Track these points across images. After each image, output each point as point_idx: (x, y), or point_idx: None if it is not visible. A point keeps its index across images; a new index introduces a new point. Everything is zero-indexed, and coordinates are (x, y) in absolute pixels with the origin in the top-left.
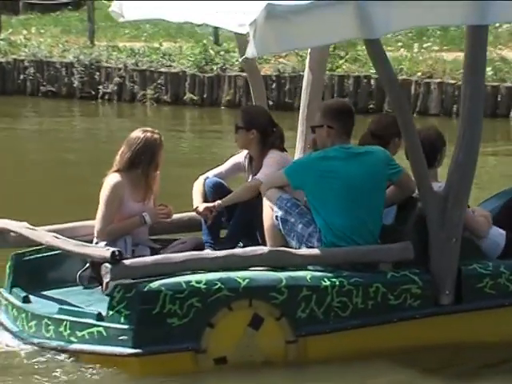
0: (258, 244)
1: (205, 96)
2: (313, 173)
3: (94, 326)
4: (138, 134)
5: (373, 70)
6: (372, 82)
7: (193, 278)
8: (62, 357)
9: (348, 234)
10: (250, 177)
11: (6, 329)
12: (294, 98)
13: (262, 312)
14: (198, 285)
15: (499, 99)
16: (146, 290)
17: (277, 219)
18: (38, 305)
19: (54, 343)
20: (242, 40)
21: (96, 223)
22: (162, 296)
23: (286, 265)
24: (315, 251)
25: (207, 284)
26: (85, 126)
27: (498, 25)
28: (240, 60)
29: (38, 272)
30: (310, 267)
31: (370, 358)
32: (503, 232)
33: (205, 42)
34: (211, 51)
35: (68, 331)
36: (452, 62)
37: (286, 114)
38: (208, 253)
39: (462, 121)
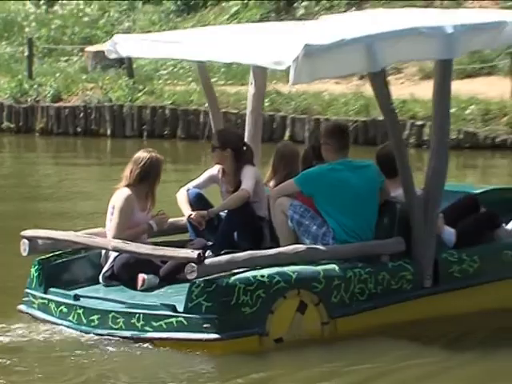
0: (237, 246)
1: (20, 124)
2: (325, 182)
3: (173, 316)
4: (144, 154)
5: (167, 101)
6: (166, 111)
7: (257, 273)
8: (114, 342)
9: (357, 232)
10: (224, 187)
11: (54, 323)
12: (99, 125)
13: (306, 299)
14: (262, 278)
15: (275, 126)
16: (224, 284)
17: (292, 222)
18: (89, 301)
19: (127, 333)
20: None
21: (111, 230)
22: (236, 289)
23: (316, 259)
24: (338, 247)
25: (269, 278)
26: None
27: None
28: (290, 84)
29: (61, 274)
30: (334, 261)
31: (377, 337)
32: (453, 230)
33: (20, 76)
34: (26, 85)
35: (141, 322)
36: (235, 95)
37: (93, 140)
38: (262, 252)
39: (435, 134)
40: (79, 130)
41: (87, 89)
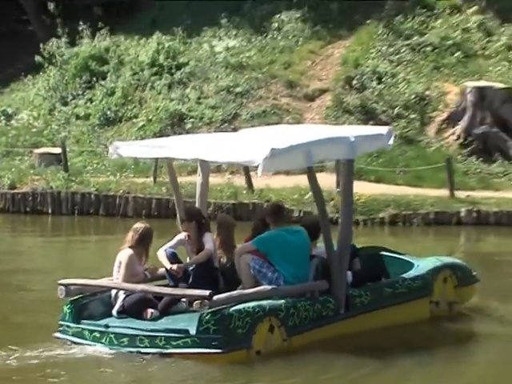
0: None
1: None
2: (275, 243)
3: (189, 337)
4: (140, 225)
5: (93, 189)
6: (92, 196)
7: (245, 305)
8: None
9: (299, 277)
10: (189, 248)
11: (88, 345)
12: (43, 206)
13: (274, 323)
14: (249, 309)
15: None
16: (226, 314)
17: (253, 270)
18: (116, 328)
19: (153, 350)
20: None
21: (120, 279)
22: (233, 317)
23: (276, 295)
24: (287, 287)
25: (253, 309)
26: None
27: None
28: (259, 175)
29: (84, 310)
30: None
31: (318, 350)
32: (350, 272)
33: None
34: None
35: (163, 342)
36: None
37: (38, 217)
38: (245, 291)
39: (343, 213)
40: (28, 209)
41: (34, 180)
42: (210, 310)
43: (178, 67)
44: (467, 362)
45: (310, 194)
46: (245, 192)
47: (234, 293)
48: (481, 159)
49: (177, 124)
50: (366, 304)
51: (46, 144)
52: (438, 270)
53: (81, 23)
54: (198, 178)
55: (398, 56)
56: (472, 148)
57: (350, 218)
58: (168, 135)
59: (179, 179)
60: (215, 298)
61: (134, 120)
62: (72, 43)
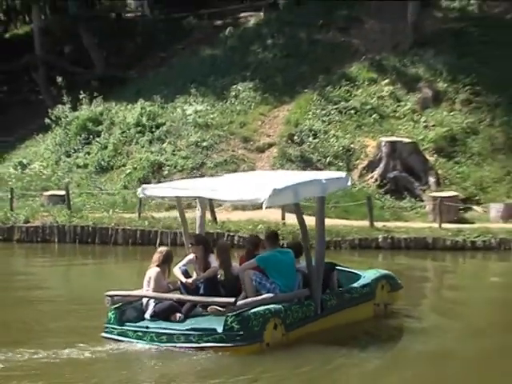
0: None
1: (5, 236)
2: (272, 261)
3: (217, 334)
4: (163, 248)
5: (90, 222)
6: (90, 228)
7: (258, 309)
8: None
9: (290, 286)
10: (197, 266)
11: (132, 342)
12: (51, 236)
13: (277, 322)
14: (261, 312)
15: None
16: (245, 316)
17: (255, 282)
18: (155, 329)
19: (187, 344)
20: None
21: (151, 290)
22: (251, 318)
23: (276, 301)
24: (282, 295)
25: (264, 311)
26: None
27: None
28: (264, 207)
29: (123, 315)
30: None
31: (309, 343)
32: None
33: (5, 209)
34: (8, 214)
35: (197, 338)
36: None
37: (47, 245)
38: (255, 299)
39: (317, 237)
40: (39, 239)
41: (44, 216)
42: (233, 313)
43: (157, 126)
44: (407, 350)
45: (261, 225)
46: (210, 224)
47: (249, 300)
48: (393, 197)
49: (156, 171)
50: (334, 306)
51: (53, 188)
52: (377, 280)
53: (81, 93)
54: (197, 212)
55: (328, 117)
56: (386, 188)
57: (323, 241)
58: (149, 181)
59: (159, 214)
60: (238, 303)
61: (123, 168)
62: (74, 108)
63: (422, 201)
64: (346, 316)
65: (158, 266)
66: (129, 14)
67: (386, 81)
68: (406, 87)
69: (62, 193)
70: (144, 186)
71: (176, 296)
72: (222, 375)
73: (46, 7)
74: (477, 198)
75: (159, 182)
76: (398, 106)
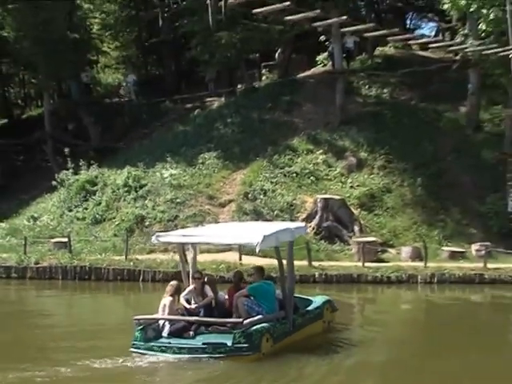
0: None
1: (20, 274)
2: (259, 290)
3: (228, 347)
4: (175, 282)
5: (87, 263)
6: (87, 268)
7: (257, 327)
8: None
9: (272, 309)
10: (194, 294)
11: (156, 356)
12: (57, 274)
13: (268, 336)
14: (259, 329)
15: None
16: (249, 332)
17: (246, 307)
18: (177, 344)
19: (205, 355)
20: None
21: (165, 315)
22: (253, 334)
23: (264, 321)
24: (267, 316)
25: (261, 329)
26: None
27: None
28: (258, 251)
29: (146, 334)
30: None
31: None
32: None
33: (20, 252)
34: (23, 256)
35: (211, 350)
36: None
37: (51, 281)
38: (255, 319)
39: (288, 273)
40: (46, 277)
41: (51, 258)
42: (239, 331)
43: (141, 187)
44: (347, 358)
45: (223, 265)
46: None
47: (247, 321)
48: (327, 242)
49: (139, 222)
50: (300, 324)
51: (58, 236)
52: (324, 303)
53: (81, 160)
54: (190, 254)
55: (275, 179)
56: (321, 235)
57: (293, 275)
58: (133, 230)
59: (141, 257)
60: (246, 321)
61: (113, 220)
62: (75, 173)
63: (349, 245)
64: (307, 331)
65: (171, 295)
66: (118, 99)
67: (320, 151)
68: (336, 156)
69: (65, 240)
70: (158, 233)
71: (194, 318)
72: (231, 379)
73: (55, 94)
74: (391, 242)
75: (142, 231)
76: (330, 170)
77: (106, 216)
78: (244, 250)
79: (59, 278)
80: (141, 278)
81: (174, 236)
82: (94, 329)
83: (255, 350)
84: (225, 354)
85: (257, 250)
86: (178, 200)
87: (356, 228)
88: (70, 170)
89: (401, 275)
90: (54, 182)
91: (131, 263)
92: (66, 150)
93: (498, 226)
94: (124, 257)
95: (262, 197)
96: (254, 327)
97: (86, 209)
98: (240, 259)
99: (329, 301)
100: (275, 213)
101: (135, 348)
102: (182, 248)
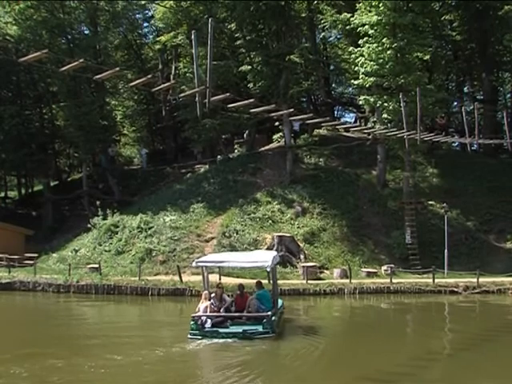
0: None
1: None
2: (263, 296)
3: (260, 331)
4: (206, 292)
5: (112, 282)
6: (112, 284)
7: (273, 318)
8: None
9: (270, 308)
10: (216, 299)
11: (209, 339)
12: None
13: (277, 324)
14: (275, 319)
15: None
16: (272, 320)
17: (256, 306)
18: (224, 331)
19: (239, 340)
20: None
21: (208, 313)
22: (273, 322)
23: (273, 314)
24: (273, 311)
25: (275, 319)
26: None
27: None
28: (268, 270)
29: (197, 325)
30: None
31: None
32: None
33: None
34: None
35: (249, 334)
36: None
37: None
38: (267, 313)
39: (273, 284)
40: (84, 292)
41: (87, 278)
42: (265, 321)
43: (149, 228)
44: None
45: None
46: (178, 282)
47: (266, 314)
48: (281, 266)
49: (148, 254)
50: (280, 315)
51: (92, 263)
52: (283, 304)
53: (107, 210)
54: (205, 274)
55: (244, 222)
56: (277, 262)
57: (277, 287)
58: (144, 259)
59: (150, 277)
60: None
61: (130, 252)
62: (104, 219)
63: (297, 268)
64: (282, 319)
65: (208, 299)
66: (133, 167)
67: (276, 202)
68: (287, 205)
69: (97, 266)
70: (197, 260)
71: (236, 314)
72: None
73: (90, 163)
74: (326, 266)
75: (150, 260)
76: (283, 215)
77: (125, 249)
78: (223, 272)
79: (93, 293)
80: (149, 293)
81: (210, 262)
82: (122, 326)
83: (274, 332)
84: (259, 336)
85: (268, 270)
86: (175, 237)
87: (302, 256)
88: (100, 217)
89: (333, 289)
90: (89, 225)
91: (142, 282)
92: (98, 202)
93: (400, 252)
94: (138, 278)
95: (235, 235)
96: (272, 318)
97: (111, 244)
98: (220, 279)
99: (283, 303)
100: (244, 246)
101: (192, 335)
102: (207, 270)
